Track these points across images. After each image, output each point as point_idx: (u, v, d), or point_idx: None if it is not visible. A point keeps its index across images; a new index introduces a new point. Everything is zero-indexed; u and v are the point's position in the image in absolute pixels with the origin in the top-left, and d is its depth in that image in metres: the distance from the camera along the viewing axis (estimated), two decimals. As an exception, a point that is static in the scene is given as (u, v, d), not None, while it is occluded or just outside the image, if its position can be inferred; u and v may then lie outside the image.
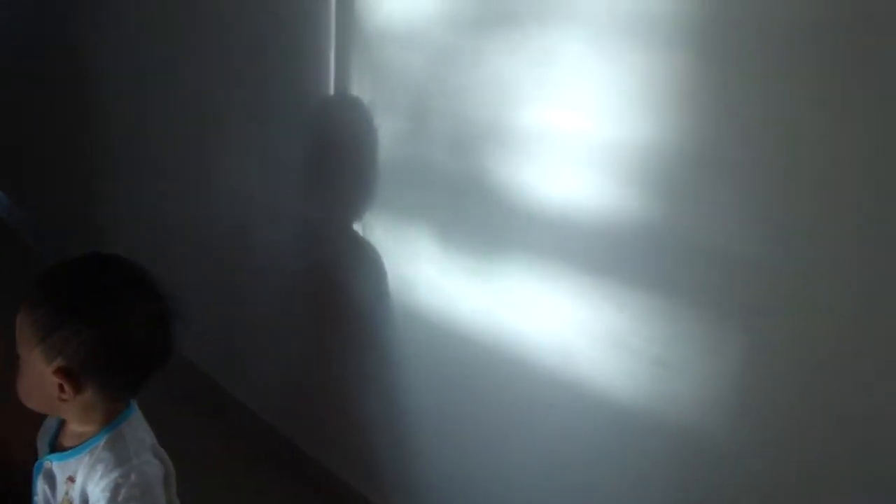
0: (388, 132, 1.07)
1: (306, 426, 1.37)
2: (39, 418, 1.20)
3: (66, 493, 0.83)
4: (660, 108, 0.76)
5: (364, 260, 1.15)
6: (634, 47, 0.77)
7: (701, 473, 0.80)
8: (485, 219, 0.95)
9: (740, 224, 0.72)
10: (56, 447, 0.85)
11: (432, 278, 1.04)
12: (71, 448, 0.82)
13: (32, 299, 0.81)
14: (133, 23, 1.76)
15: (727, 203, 0.73)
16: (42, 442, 0.88)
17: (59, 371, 0.77)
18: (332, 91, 1.15)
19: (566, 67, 0.83)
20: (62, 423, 0.86)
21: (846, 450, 0.70)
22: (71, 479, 0.82)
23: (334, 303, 1.14)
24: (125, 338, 0.80)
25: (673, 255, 0.78)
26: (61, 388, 0.77)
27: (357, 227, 1.14)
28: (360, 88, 1.11)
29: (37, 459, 0.91)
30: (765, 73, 0.69)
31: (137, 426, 0.84)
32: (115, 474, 0.78)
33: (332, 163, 1.17)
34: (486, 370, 1.00)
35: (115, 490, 0.77)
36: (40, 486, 0.86)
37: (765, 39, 0.68)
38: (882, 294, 0.65)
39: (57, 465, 0.84)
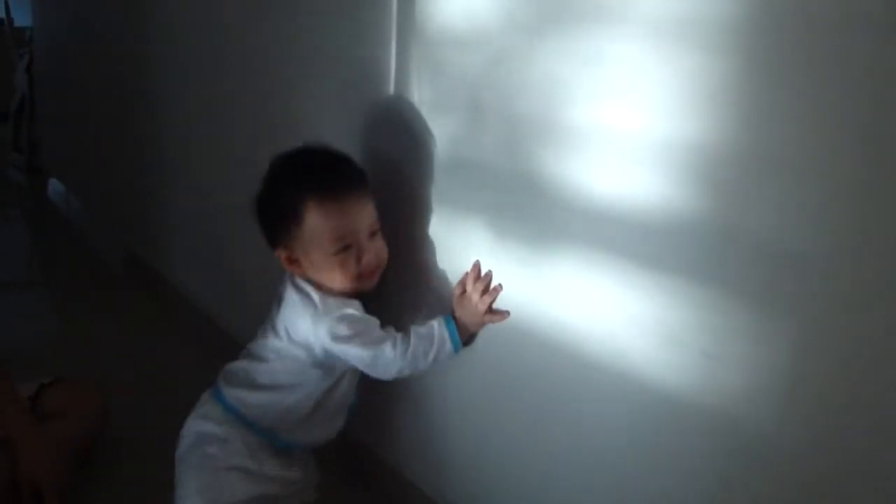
0: (446, 130, 1.11)
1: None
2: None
3: None
4: (712, 106, 0.78)
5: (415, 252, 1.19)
6: (686, 48, 0.79)
7: (748, 466, 0.81)
8: (537, 212, 0.98)
9: (792, 218, 0.73)
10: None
11: (484, 267, 1.07)
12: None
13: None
14: (191, 22, 1.82)
15: (778, 198, 0.74)
16: None
17: None
18: (391, 93, 1.20)
19: (618, 67, 0.86)
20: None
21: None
22: None
23: (381, 291, 1.18)
24: None
25: (723, 249, 0.79)
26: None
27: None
28: (419, 89, 1.15)
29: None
30: (817, 72, 0.70)
31: None
32: None
33: (391, 165, 1.22)
34: (534, 358, 1.02)
35: None
36: None
37: (817, 38, 0.69)
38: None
39: None
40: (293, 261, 1.09)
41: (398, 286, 1.21)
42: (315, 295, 1.08)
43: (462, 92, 1.07)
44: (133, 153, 2.37)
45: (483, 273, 1.06)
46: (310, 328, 1.07)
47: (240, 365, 1.16)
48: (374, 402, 1.25)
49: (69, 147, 3.12)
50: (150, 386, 1.74)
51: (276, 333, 1.12)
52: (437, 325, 1.06)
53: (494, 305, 1.05)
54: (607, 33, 0.87)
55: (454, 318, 1.06)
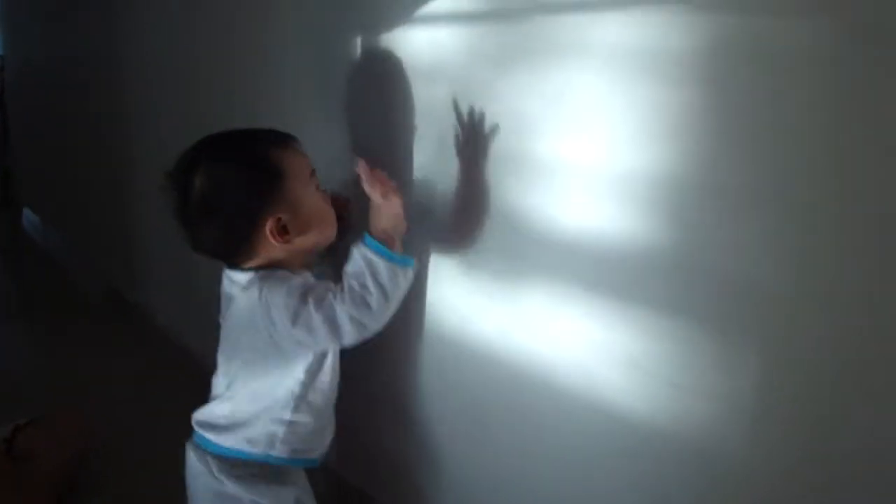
0: (415, 161, 1.12)
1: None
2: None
3: None
4: (671, 138, 0.80)
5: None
6: (645, 81, 0.81)
7: (717, 492, 0.82)
8: (504, 244, 0.99)
9: (751, 249, 0.75)
10: None
11: (453, 300, 1.09)
12: None
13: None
14: (163, 47, 1.82)
15: (738, 229, 0.76)
16: None
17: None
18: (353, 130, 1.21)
19: (580, 101, 0.87)
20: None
21: (865, 470, 0.71)
22: None
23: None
24: None
25: (684, 279, 0.81)
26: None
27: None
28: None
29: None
30: (773, 103, 0.72)
31: None
32: None
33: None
34: (507, 389, 1.03)
35: None
36: None
37: (775, 68, 0.71)
38: (892, 323, 0.66)
39: None
40: (281, 229, 1.01)
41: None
42: (259, 279, 1.01)
43: (428, 125, 1.08)
44: (109, 183, 2.36)
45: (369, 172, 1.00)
46: (269, 317, 0.99)
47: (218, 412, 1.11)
48: (350, 430, 1.25)
49: (43, 177, 3.10)
50: (130, 420, 1.72)
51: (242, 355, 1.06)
52: (355, 250, 0.98)
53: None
54: (569, 67, 0.88)
55: (371, 236, 0.98)
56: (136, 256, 2.27)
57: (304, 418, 1.08)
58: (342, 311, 0.94)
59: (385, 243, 0.96)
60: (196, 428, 1.12)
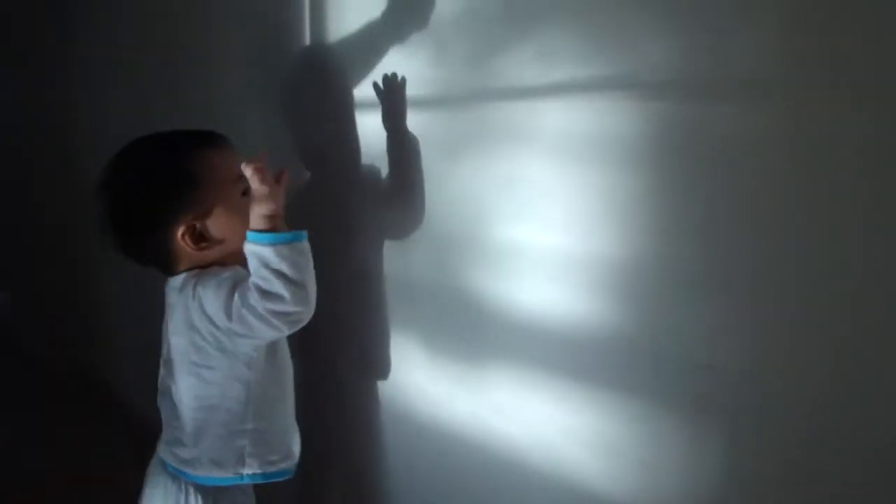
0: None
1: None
2: None
3: None
4: (624, 222, 0.81)
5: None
6: (595, 165, 0.83)
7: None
8: (467, 328, 1.00)
9: (707, 331, 0.77)
10: None
11: (420, 384, 1.08)
12: None
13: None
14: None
15: (693, 311, 0.77)
16: None
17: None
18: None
19: (531, 187, 0.89)
20: None
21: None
22: None
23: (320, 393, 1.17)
24: None
25: (646, 362, 0.82)
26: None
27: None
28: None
29: None
30: (721, 186, 0.74)
31: None
32: None
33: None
34: (476, 473, 1.03)
35: None
36: None
37: (721, 152, 0.73)
38: (851, 399, 0.68)
39: None
40: (196, 237, 0.99)
41: (330, 406, 1.21)
42: (191, 277, 0.99)
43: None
44: (70, 256, 2.32)
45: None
46: (205, 315, 0.97)
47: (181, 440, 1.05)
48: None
49: (1, 249, 3.03)
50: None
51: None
52: (244, 249, 0.95)
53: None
54: (520, 153, 0.90)
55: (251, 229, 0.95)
56: (99, 332, 2.22)
57: (263, 424, 1.02)
58: (262, 309, 0.92)
59: (267, 229, 0.93)
60: (170, 461, 1.07)
